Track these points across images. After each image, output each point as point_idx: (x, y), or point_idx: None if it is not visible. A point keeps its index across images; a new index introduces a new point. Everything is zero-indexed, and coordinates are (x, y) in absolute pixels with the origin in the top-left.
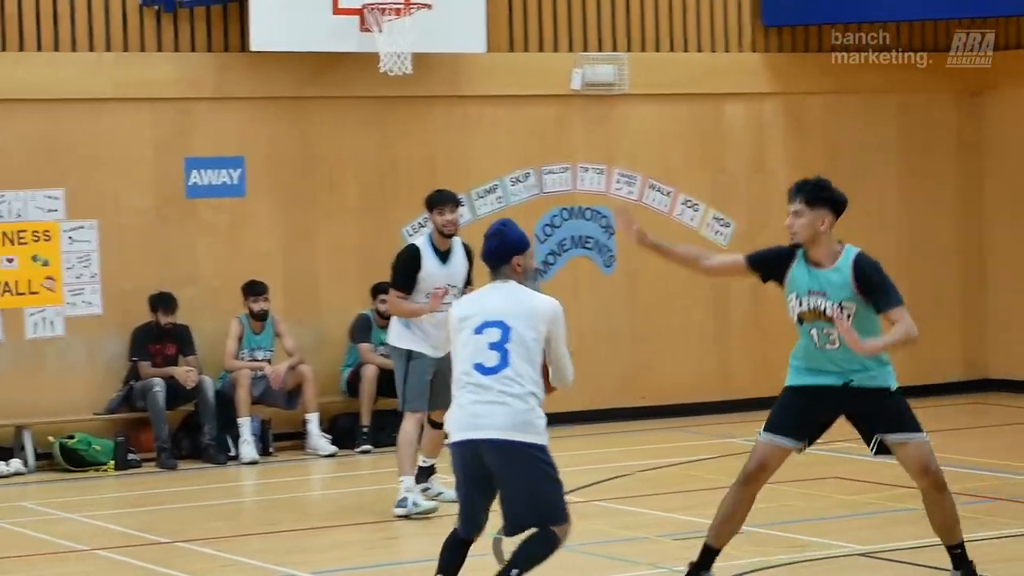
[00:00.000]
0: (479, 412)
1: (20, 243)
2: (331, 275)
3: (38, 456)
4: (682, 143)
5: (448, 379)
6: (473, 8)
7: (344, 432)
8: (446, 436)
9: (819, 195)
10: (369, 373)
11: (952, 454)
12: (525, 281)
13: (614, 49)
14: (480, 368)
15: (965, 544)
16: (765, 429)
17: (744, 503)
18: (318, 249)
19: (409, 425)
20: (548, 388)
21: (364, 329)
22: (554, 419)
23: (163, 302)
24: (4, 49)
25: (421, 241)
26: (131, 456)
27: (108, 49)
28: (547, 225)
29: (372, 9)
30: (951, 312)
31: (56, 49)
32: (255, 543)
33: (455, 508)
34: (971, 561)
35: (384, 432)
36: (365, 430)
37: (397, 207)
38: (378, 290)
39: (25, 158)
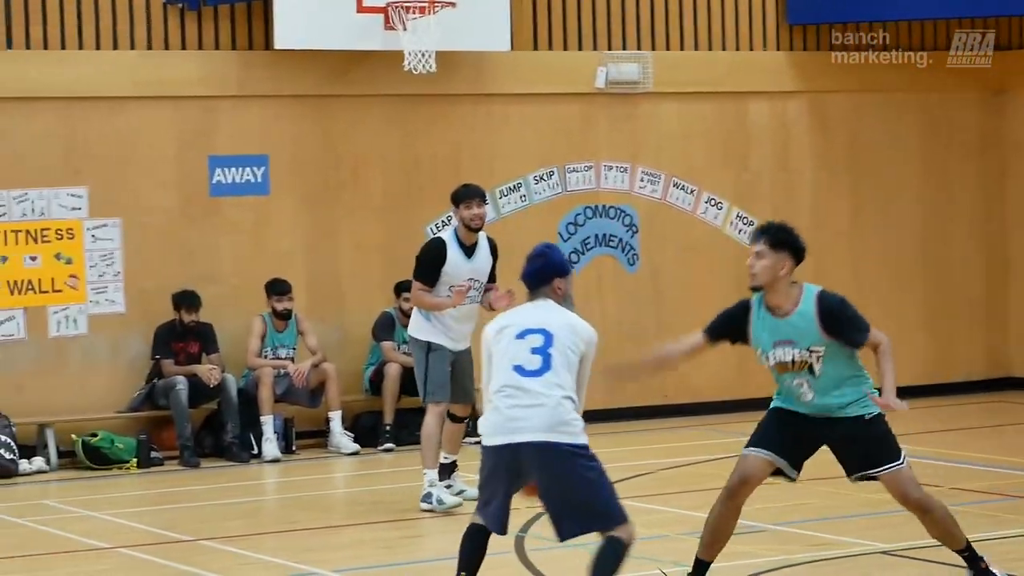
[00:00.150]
0: (517, 415)
1: (44, 241)
2: (354, 273)
3: (61, 454)
4: (706, 141)
5: (467, 373)
6: (497, 6)
7: (367, 430)
8: (467, 431)
9: (783, 239)
10: (392, 371)
11: (974, 452)
12: (563, 304)
13: (638, 47)
14: (520, 370)
15: (972, 544)
16: (748, 444)
17: (729, 517)
18: (341, 247)
19: (431, 418)
20: None
21: (387, 327)
22: None
23: (186, 300)
24: (28, 48)
25: (447, 235)
26: (153, 454)
27: (132, 48)
28: (570, 224)
29: (396, 7)
30: (973, 311)
31: (80, 48)
32: (276, 541)
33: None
34: (981, 558)
35: (406, 430)
36: (388, 428)
37: (421, 205)
38: (401, 288)
39: (49, 157)
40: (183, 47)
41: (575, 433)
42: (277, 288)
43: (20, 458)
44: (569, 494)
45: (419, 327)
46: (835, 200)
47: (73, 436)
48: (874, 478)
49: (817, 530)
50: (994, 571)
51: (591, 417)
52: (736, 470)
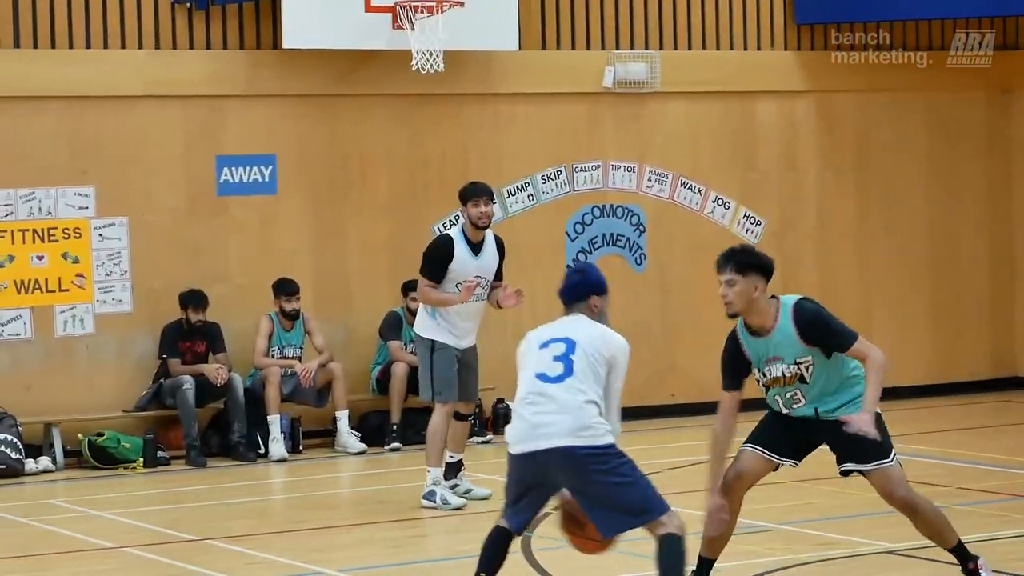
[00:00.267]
0: (542, 422)
1: (51, 240)
2: (362, 273)
3: (67, 453)
4: (713, 141)
5: (472, 370)
6: (505, 6)
7: (373, 430)
8: (472, 431)
9: (749, 262)
10: (399, 371)
11: (980, 452)
12: (597, 320)
13: (646, 47)
14: (543, 377)
15: (965, 544)
16: (746, 440)
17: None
18: (349, 247)
19: (438, 417)
20: None
21: (394, 327)
22: None
23: (193, 299)
24: (36, 47)
25: (454, 232)
26: (160, 454)
27: (140, 47)
28: (578, 223)
29: (404, 7)
30: (979, 310)
31: (88, 47)
32: (282, 541)
33: (485, 506)
34: (972, 558)
35: (413, 430)
36: (395, 428)
37: (428, 205)
38: (408, 287)
39: (56, 156)
40: (191, 46)
41: (598, 435)
42: (285, 288)
43: (26, 457)
44: (601, 496)
45: (424, 325)
46: (842, 200)
47: (79, 436)
48: (861, 473)
49: (823, 529)
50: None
51: None
52: (732, 466)
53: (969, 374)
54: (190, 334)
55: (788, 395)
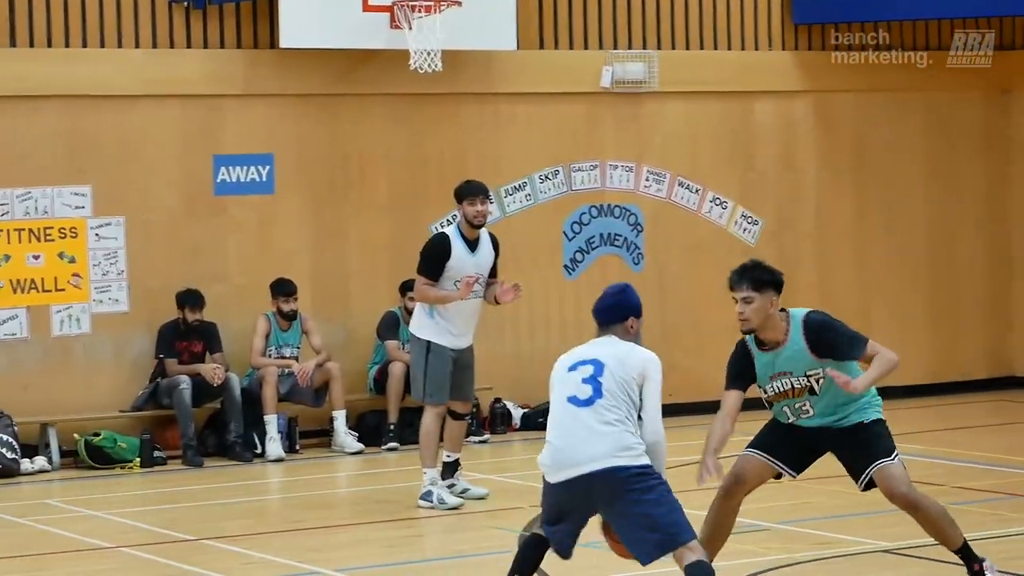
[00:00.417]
0: (577, 447)
1: (47, 240)
2: (360, 272)
3: (63, 453)
4: (711, 141)
5: (469, 370)
6: (504, 5)
7: (371, 430)
8: (469, 431)
9: (764, 279)
10: (396, 371)
11: (976, 451)
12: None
13: (644, 47)
14: (574, 400)
15: (970, 544)
16: (748, 445)
17: (726, 516)
18: (347, 246)
19: (429, 418)
20: None
21: (392, 326)
22: None
23: (190, 299)
24: (32, 46)
25: (451, 230)
26: (156, 454)
27: (137, 46)
28: (575, 223)
29: (402, 6)
30: (976, 309)
31: (84, 46)
32: (279, 541)
33: (481, 506)
34: (979, 560)
35: (410, 429)
36: (392, 428)
37: (427, 204)
38: (406, 287)
39: (52, 155)
40: (188, 46)
41: (638, 455)
42: (283, 288)
43: (22, 457)
44: (639, 516)
45: (421, 325)
46: (840, 199)
47: (76, 435)
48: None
49: (820, 529)
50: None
51: None
52: (732, 470)
53: (967, 373)
54: (187, 334)
55: (797, 406)
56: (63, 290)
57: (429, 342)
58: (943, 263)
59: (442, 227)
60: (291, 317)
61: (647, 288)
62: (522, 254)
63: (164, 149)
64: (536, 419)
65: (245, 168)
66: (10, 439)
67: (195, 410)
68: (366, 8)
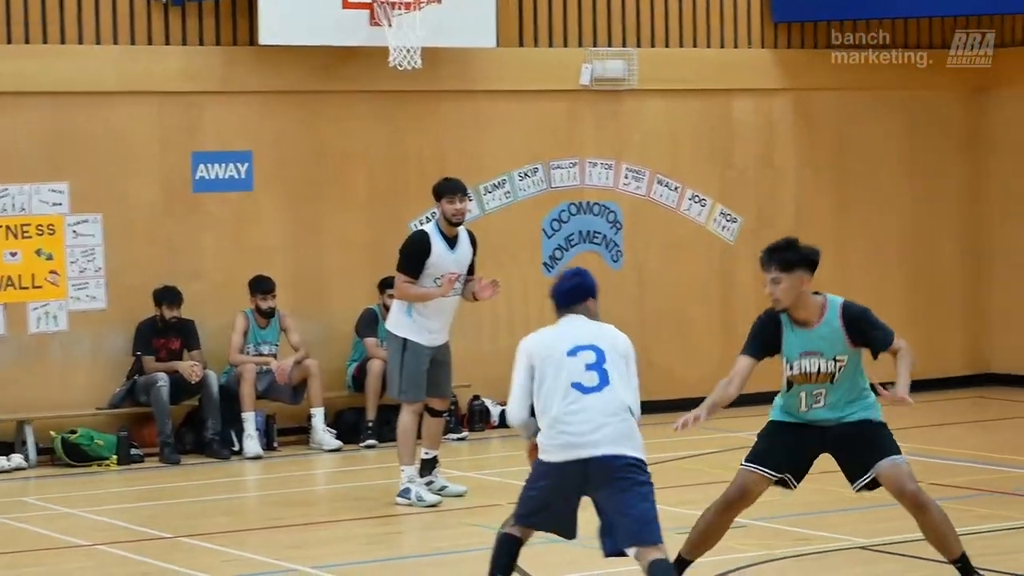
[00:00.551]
0: (584, 431)
1: (24, 237)
2: (339, 270)
3: (39, 451)
4: (691, 138)
5: (446, 367)
6: (483, 3)
7: (349, 427)
8: (447, 428)
9: (793, 259)
10: (375, 368)
11: (954, 448)
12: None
13: (624, 44)
14: (580, 388)
15: (968, 557)
16: (747, 459)
17: (722, 527)
18: (326, 244)
19: (406, 416)
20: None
21: (370, 323)
22: None
23: (168, 296)
24: (10, 42)
25: (430, 227)
26: (134, 451)
27: (115, 42)
28: (554, 220)
29: (382, 3)
30: (955, 306)
31: (62, 42)
32: (258, 538)
33: (459, 503)
34: (976, 573)
35: (389, 427)
36: (370, 425)
37: (406, 202)
38: (385, 285)
39: (30, 151)
40: (167, 42)
41: (639, 447)
42: (261, 286)
43: None
44: (628, 503)
45: (398, 322)
46: (819, 197)
47: (52, 433)
48: (875, 485)
49: (798, 525)
50: None
51: None
52: (735, 484)
53: (944, 370)
54: (164, 331)
55: (815, 392)
56: (40, 287)
57: (406, 340)
58: (922, 261)
59: (421, 224)
60: (269, 314)
61: (626, 285)
62: (501, 251)
63: (142, 146)
64: None
65: (223, 165)
66: None
67: (172, 407)
68: (346, 5)
